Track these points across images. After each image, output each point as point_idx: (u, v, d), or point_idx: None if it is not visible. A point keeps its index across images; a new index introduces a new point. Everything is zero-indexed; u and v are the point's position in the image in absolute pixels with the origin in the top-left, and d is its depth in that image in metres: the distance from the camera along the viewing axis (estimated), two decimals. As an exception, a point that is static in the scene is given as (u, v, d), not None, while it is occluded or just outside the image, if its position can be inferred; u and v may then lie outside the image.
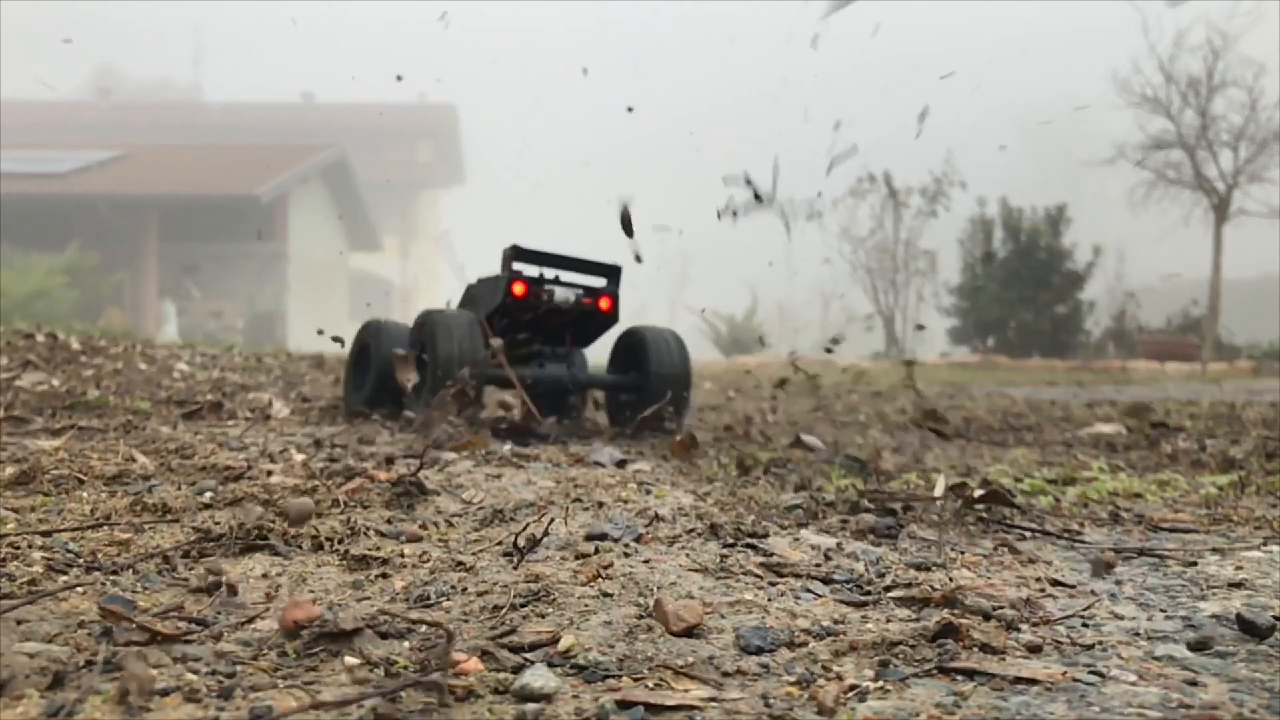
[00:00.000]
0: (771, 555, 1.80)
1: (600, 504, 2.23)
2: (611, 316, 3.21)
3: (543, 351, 3.25)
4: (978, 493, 2.40)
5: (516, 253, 3.09)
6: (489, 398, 3.73)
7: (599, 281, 3.23)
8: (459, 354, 2.97)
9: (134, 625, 1.24)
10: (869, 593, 1.58)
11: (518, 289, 3.07)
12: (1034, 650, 1.31)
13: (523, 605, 1.44)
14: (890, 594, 1.57)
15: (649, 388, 3.10)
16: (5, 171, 22.89)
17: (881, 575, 1.69)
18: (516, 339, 3.14)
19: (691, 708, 1.08)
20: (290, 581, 1.54)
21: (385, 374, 3.41)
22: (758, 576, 1.66)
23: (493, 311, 3.13)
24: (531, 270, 3.15)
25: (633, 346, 3.26)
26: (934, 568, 1.77)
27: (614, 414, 3.21)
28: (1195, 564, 1.86)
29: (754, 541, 1.89)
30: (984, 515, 2.27)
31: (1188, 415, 5.75)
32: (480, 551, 1.79)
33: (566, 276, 3.21)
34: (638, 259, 2.74)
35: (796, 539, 1.94)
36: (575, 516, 2.08)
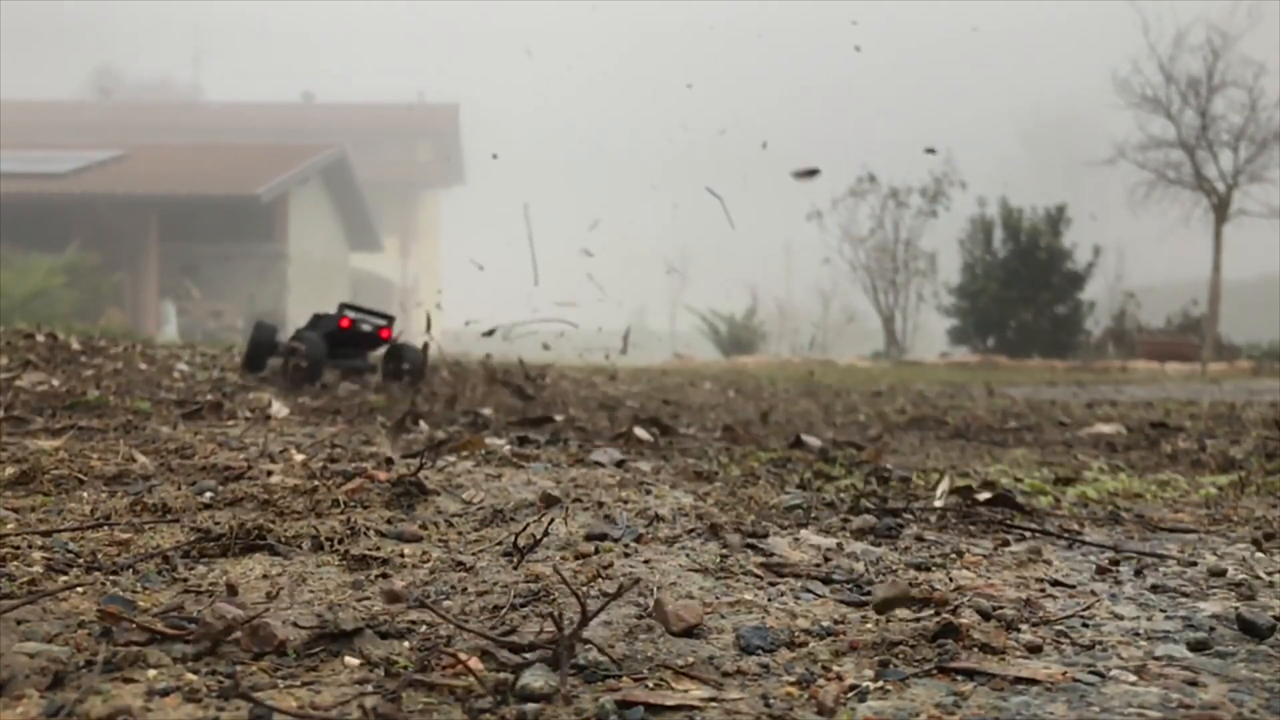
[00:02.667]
0: (772, 555, 1.80)
1: (600, 504, 2.23)
2: (389, 340, 6.14)
3: (350, 352, 6.15)
4: (982, 495, 2.40)
5: (345, 306, 6.12)
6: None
7: (382, 321, 6.13)
8: (318, 350, 5.63)
9: (134, 625, 1.25)
10: (869, 593, 1.58)
11: (344, 323, 5.96)
12: (1034, 650, 1.31)
13: (523, 605, 1.44)
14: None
15: (408, 370, 5.97)
16: (5, 171, 22.86)
17: (882, 575, 1.69)
18: (340, 347, 6.05)
19: (691, 708, 1.08)
20: (290, 581, 1.54)
21: (263, 352, 6.02)
22: (758, 576, 1.66)
23: (330, 332, 5.89)
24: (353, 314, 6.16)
25: (399, 351, 6.09)
26: (934, 568, 1.77)
27: (385, 381, 5.90)
28: (1195, 564, 1.86)
29: (754, 541, 1.89)
30: (985, 515, 2.27)
31: (1188, 415, 5.75)
32: (480, 551, 1.79)
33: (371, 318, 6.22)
34: None
35: (796, 539, 1.94)
36: (575, 516, 2.08)
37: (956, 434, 4.70)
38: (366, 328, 6.02)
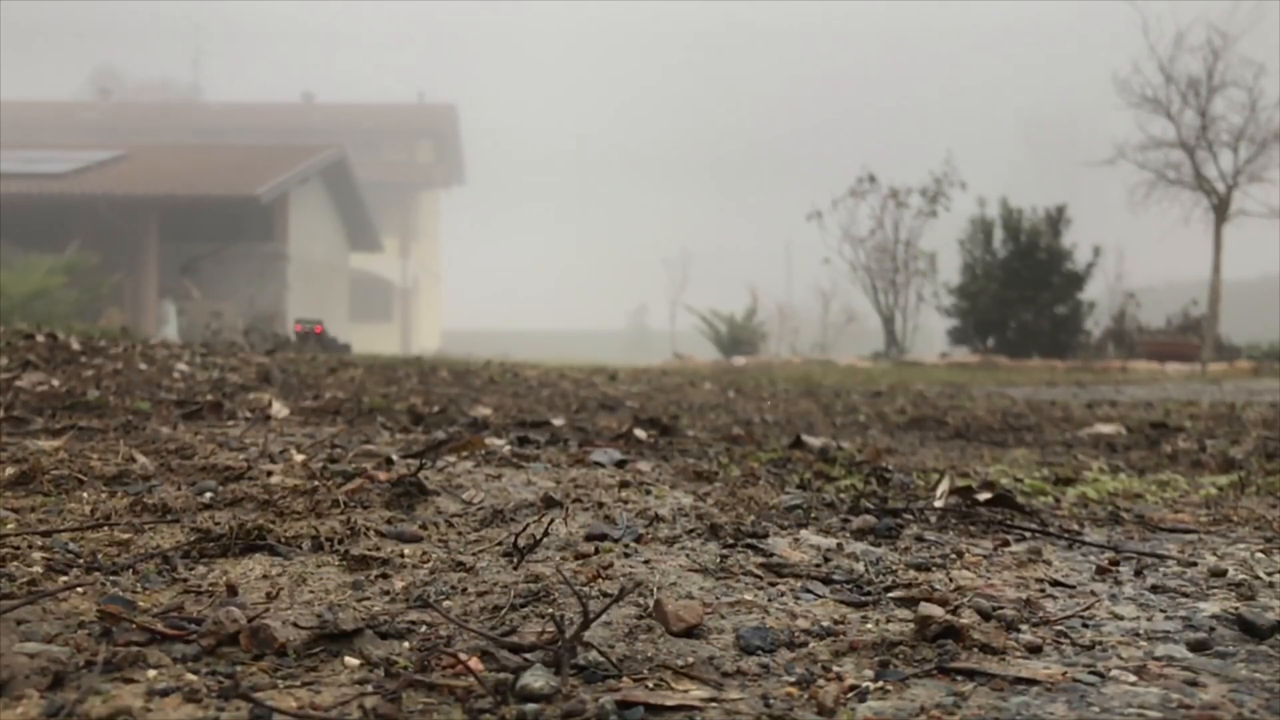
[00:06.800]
0: (771, 555, 1.80)
1: (600, 504, 2.23)
2: (323, 334, 15.58)
3: (308, 341, 14.26)
4: (982, 495, 2.40)
5: (298, 320, 16.86)
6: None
7: (317, 322, 16.52)
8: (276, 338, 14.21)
9: (134, 625, 1.24)
10: (869, 593, 1.58)
11: (298, 328, 15.88)
12: (1034, 650, 1.31)
13: (523, 605, 1.44)
14: (890, 594, 1.57)
15: (336, 349, 13.39)
16: (5, 171, 22.86)
17: (882, 575, 1.69)
18: (306, 339, 14.52)
19: (691, 708, 1.08)
20: (290, 582, 1.54)
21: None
22: (758, 577, 1.66)
23: (297, 332, 15.61)
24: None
25: (326, 340, 14.46)
26: (934, 568, 1.77)
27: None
28: (1195, 564, 1.86)
29: (754, 541, 1.89)
30: (985, 515, 2.27)
31: (1188, 415, 5.75)
32: (480, 552, 1.79)
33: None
34: None
35: (796, 539, 1.94)
36: (575, 516, 2.08)
37: (956, 434, 4.70)
38: (310, 328, 12.71)
